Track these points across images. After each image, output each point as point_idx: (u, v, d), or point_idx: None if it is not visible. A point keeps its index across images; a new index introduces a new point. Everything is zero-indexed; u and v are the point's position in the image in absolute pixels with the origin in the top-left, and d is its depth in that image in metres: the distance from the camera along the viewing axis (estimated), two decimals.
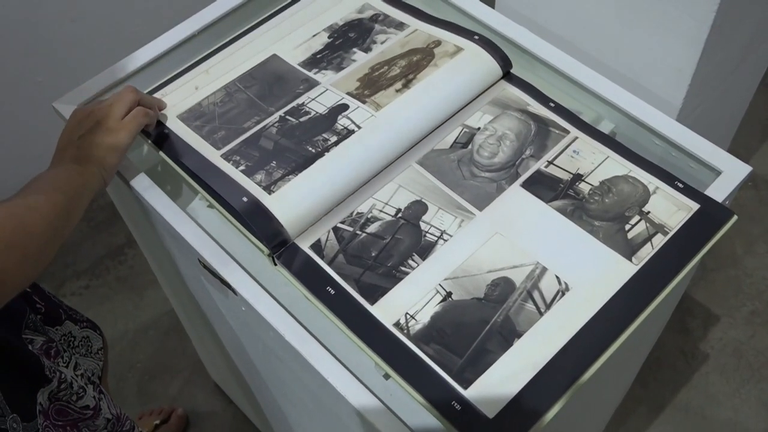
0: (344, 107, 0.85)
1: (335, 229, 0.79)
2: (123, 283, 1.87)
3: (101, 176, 0.79)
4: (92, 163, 0.78)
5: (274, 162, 0.80)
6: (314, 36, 0.95)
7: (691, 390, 1.64)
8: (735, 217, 0.77)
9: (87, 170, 0.77)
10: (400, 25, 0.95)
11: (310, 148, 0.81)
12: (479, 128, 0.86)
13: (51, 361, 0.89)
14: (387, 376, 0.72)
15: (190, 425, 1.65)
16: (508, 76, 0.90)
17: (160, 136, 0.86)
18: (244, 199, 0.77)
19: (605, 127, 0.90)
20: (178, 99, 0.89)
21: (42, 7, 1.73)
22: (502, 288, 0.73)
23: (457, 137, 0.85)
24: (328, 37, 0.94)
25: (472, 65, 0.87)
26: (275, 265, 0.78)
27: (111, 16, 1.86)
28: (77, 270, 1.89)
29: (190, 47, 1.00)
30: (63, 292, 1.85)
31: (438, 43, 0.90)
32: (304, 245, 0.78)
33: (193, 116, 0.87)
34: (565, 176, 0.81)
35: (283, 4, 0.99)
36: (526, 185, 0.81)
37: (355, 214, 0.80)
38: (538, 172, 0.82)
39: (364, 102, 0.84)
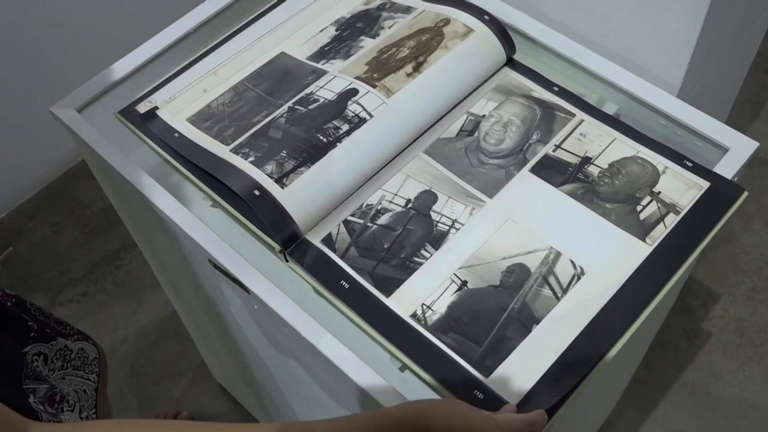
0: (354, 92, 0.83)
1: (346, 222, 0.78)
2: (121, 288, 1.85)
3: None
4: None
5: (284, 152, 0.79)
6: (321, 31, 0.94)
7: (695, 369, 1.64)
8: (745, 194, 0.77)
9: None
10: (407, 9, 0.94)
11: (321, 137, 0.80)
12: (484, 115, 0.85)
13: (55, 407, 0.88)
14: (403, 369, 0.71)
15: None
16: (510, 62, 0.90)
17: (163, 137, 0.85)
18: (256, 192, 0.76)
19: (609, 109, 0.90)
20: (186, 102, 0.88)
21: (25, 13, 1.71)
22: (517, 274, 0.73)
23: (462, 125, 0.85)
24: (336, 30, 0.93)
25: (481, 51, 0.86)
26: (287, 261, 0.77)
27: (97, 20, 1.84)
28: (73, 277, 1.87)
29: (185, 47, 0.98)
30: (61, 300, 1.83)
31: (447, 21, 0.88)
32: (315, 240, 0.77)
33: (202, 118, 0.86)
34: (574, 160, 0.81)
35: (273, 2, 0.98)
36: (535, 170, 0.80)
37: (365, 206, 0.79)
38: (546, 157, 0.81)
39: (374, 86, 0.83)
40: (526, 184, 0.79)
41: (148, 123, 0.87)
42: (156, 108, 0.88)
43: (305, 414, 1.09)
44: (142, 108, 0.89)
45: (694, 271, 1.77)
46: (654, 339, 1.65)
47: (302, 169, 0.77)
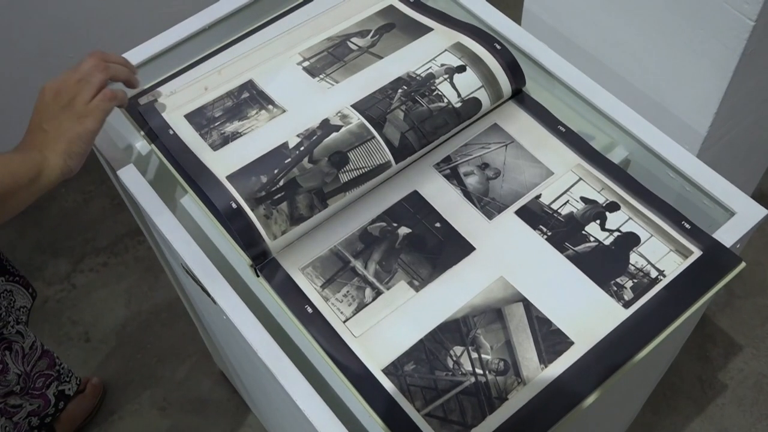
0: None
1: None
2: (140, 264, 1.87)
3: (66, 166, 0.76)
4: (56, 152, 0.75)
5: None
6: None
7: (704, 420, 1.58)
8: (743, 264, 0.72)
9: (47, 160, 0.74)
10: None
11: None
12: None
13: None
14: None
15: (105, 395, 1.67)
16: (518, 96, 0.86)
17: (158, 132, 0.84)
18: (233, 204, 0.75)
19: (618, 155, 0.86)
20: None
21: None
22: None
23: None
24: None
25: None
26: (258, 276, 0.76)
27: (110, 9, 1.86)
28: (97, 246, 1.90)
29: (201, 42, 0.98)
30: (81, 268, 1.86)
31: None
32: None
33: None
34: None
35: (295, 4, 0.96)
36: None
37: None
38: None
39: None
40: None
41: (146, 116, 0.86)
42: (155, 101, 0.87)
43: (277, 420, 1.09)
44: (143, 100, 0.88)
45: (718, 318, 1.70)
46: (665, 383, 1.59)
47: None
